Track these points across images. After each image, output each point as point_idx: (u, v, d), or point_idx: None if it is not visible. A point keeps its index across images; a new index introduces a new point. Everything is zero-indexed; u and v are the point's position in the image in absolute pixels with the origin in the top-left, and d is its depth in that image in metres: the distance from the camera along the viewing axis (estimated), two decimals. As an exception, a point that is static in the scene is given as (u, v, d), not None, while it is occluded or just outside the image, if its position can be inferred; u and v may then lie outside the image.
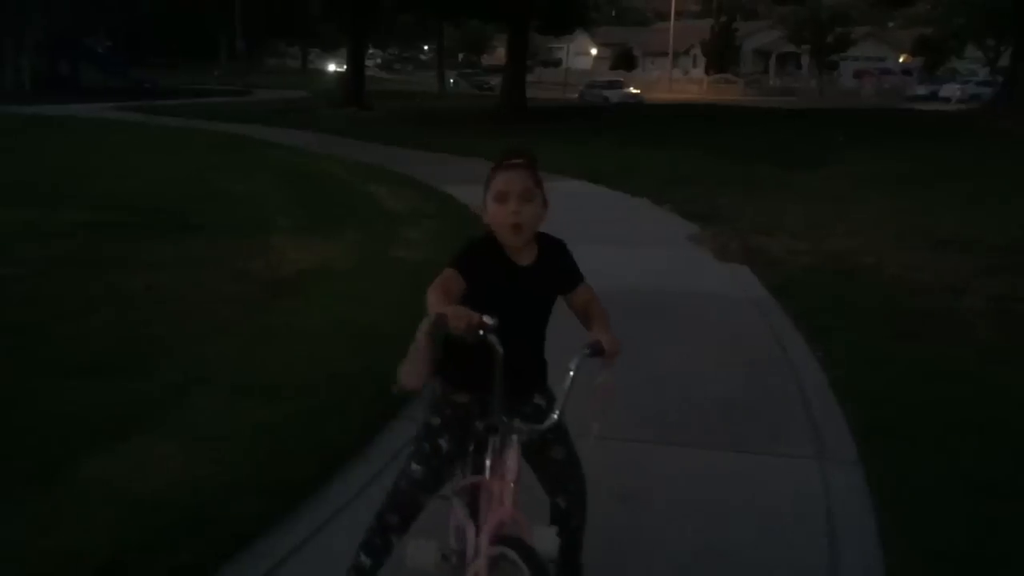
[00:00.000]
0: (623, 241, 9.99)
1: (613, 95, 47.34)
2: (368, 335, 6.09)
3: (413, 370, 2.42)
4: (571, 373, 2.51)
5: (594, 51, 79.95)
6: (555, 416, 2.52)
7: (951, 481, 4.06)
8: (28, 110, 27.81)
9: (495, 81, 49.55)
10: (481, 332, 2.29)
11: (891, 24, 77.94)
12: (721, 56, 70.20)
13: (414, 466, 2.76)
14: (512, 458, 2.47)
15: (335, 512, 3.79)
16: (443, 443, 2.74)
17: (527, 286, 2.62)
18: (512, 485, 2.44)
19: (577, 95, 50.35)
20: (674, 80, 68.14)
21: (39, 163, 15.49)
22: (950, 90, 51.38)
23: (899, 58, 69.41)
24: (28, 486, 3.86)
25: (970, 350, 6.11)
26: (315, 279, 7.78)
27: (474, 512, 2.72)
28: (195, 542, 3.42)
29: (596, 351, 2.55)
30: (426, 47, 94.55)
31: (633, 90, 50.49)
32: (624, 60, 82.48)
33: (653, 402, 4.98)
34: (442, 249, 9.19)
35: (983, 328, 6.67)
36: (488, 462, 2.64)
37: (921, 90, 54.42)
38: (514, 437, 2.48)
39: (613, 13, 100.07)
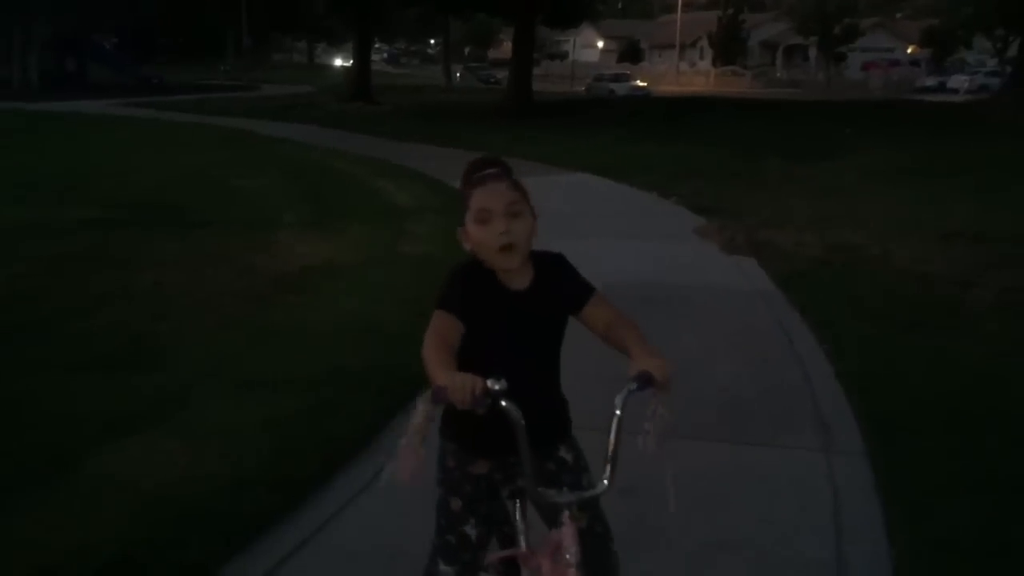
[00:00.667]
0: (630, 234, 9.98)
1: (620, 88, 47.25)
2: (375, 331, 6.10)
3: (409, 463, 2.08)
4: (617, 414, 2.06)
5: (600, 44, 79.86)
6: (605, 482, 2.10)
7: (958, 473, 4.05)
8: (35, 107, 27.88)
9: (501, 75, 49.53)
10: (490, 400, 1.95)
11: (899, 15, 77.68)
12: (728, 48, 69.95)
13: (443, 567, 2.37)
14: (568, 536, 2.06)
15: (341, 507, 3.81)
16: (469, 530, 2.35)
17: (529, 311, 2.24)
18: (574, 572, 2.04)
19: (584, 88, 50.27)
20: (681, 73, 68.00)
21: (46, 160, 15.53)
22: (958, 81, 51.16)
23: (907, 49, 69.13)
24: (36, 481, 3.88)
25: (978, 342, 6.09)
26: (322, 274, 7.79)
27: None
28: (202, 537, 3.44)
29: (644, 382, 2.07)
30: (433, 41, 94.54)
31: (640, 83, 50.39)
32: (631, 53, 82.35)
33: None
34: (449, 245, 9.18)
35: (991, 320, 6.64)
36: (521, 533, 2.33)
37: (929, 81, 54.19)
38: (566, 514, 2.07)
39: (619, 5, 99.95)
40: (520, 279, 2.27)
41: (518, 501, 2.35)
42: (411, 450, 2.08)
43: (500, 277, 2.25)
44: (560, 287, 2.30)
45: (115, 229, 9.39)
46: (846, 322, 6.48)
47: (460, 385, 1.93)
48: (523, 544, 2.35)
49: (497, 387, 1.93)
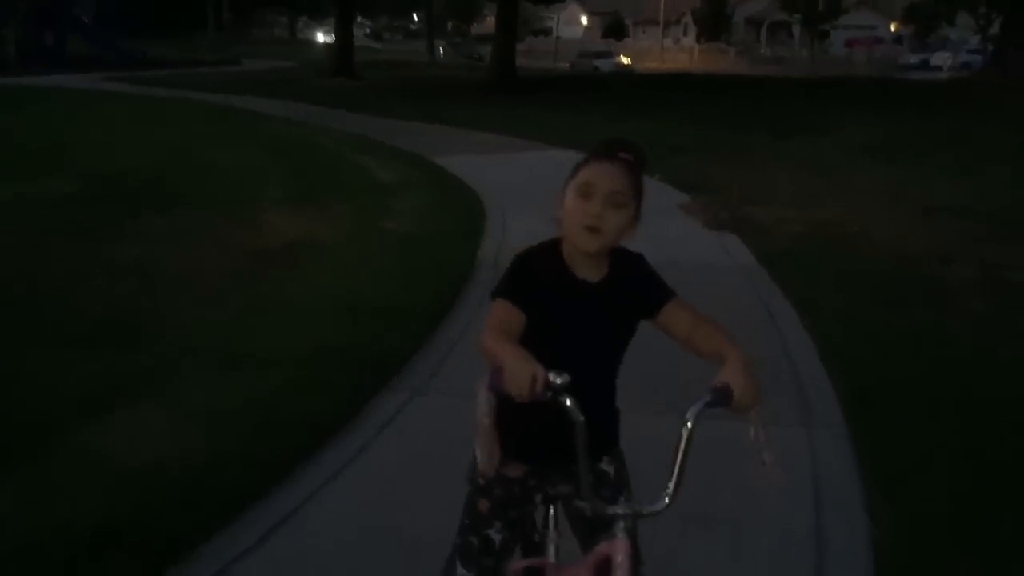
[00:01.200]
0: (613, 211, 10.01)
1: (604, 65, 47.16)
2: (358, 306, 6.09)
3: (485, 453, 2.01)
4: (688, 427, 1.91)
5: (584, 20, 79.54)
6: (667, 500, 1.93)
7: (934, 449, 4.09)
8: (13, 82, 27.52)
9: (485, 51, 49.30)
10: (550, 393, 1.79)
11: (882, -8, 77.59)
12: (712, 25, 69.82)
13: (460, 571, 2.21)
14: (622, 550, 1.91)
15: (325, 482, 3.80)
16: (494, 535, 2.19)
17: (598, 306, 2.06)
18: None
19: (568, 65, 50.07)
20: (665, 49, 67.79)
21: (26, 135, 15.35)
22: (941, 58, 51.25)
23: (890, 26, 69.15)
24: (17, 457, 3.86)
25: (958, 318, 6.14)
26: (305, 251, 7.76)
27: None
28: (186, 512, 3.44)
29: (721, 399, 1.92)
30: (415, 16, 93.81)
31: (624, 60, 50.28)
32: (615, 29, 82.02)
33: (638, 370, 4.98)
34: (431, 220, 9.19)
35: (972, 296, 6.70)
36: (552, 542, 2.21)
37: (912, 58, 54.29)
38: (621, 526, 1.93)
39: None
40: (593, 271, 2.09)
41: (551, 507, 2.21)
42: (486, 445, 2.02)
43: (570, 266, 2.08)
44: (636, 287, 2.13)
45: (97, 204, 9.31)
46: (828, 298, 6.51)
47: (519, 370, 1.76)
48: (552, 554, 2.21)
49: (559, 381, 1.77)
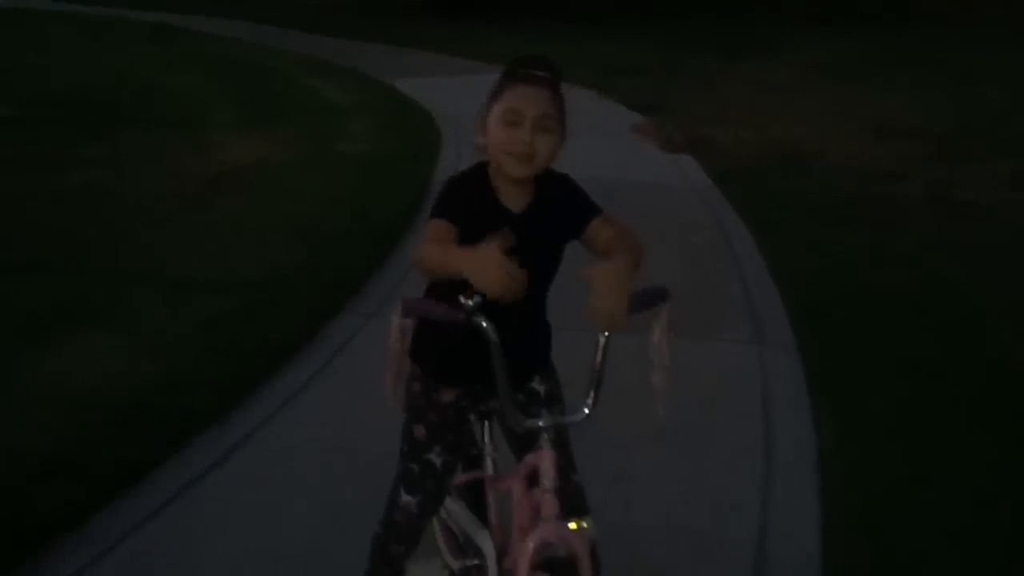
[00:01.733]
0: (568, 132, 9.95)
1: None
2: (311, 230, 6.04)
3: (396, 380, 2.02)
4: (605, 335, 1.94)
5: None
6: (587, 410, 1.99)
7: (882, 362, 4.20)
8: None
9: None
10: (463, 316, 1.80)
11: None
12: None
13: (406, 497, 2.22)
14: (547, 461, 1.94)
15: (281, 405, 3.81)
16: (434, 458, 2.20)
17: (525, 236, 1.98)
18: (553, 496, 1.94)
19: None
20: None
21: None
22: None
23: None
24: (-34, 385, 3.82)
25: (907, 236, 6.24)
26: (256, 174, 7.64)
27: (480, 512, 2.38)
28: (139, 437, 3.43)
29: (634, 305, 1.87)
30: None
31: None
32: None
33: (580, 286, 5.02)
34: (385, 142, 9.07)
35: (921, 214, 6.80)
36: (488, 456, 2.28)
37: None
38: (545, 437, 1.96)
39: None
40: (520, 198, 2.04)
41: (487, 422, 2.27)
42: (396, 370, 2.01)
43: (500, 195, 2.03)
44: (562, 210, 2.07)
45: (39, 128, 9.06)
46: (780, 217, 6.58)
47: (487, 264, 1.70)
48: (490, 467, 2.30)
49: (471, 303, 1.77)
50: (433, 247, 1.88)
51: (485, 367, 1.90)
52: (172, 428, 3.50)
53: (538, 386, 2.24)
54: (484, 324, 1.81)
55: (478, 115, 2.03)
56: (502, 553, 2.29)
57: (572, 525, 1.95)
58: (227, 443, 3.48)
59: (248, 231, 6.04)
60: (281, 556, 2.80)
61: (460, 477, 2.40)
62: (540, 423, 1.96)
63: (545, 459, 1.95)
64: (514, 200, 2.04)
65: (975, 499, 3.10)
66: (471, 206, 1.99)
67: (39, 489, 3.06)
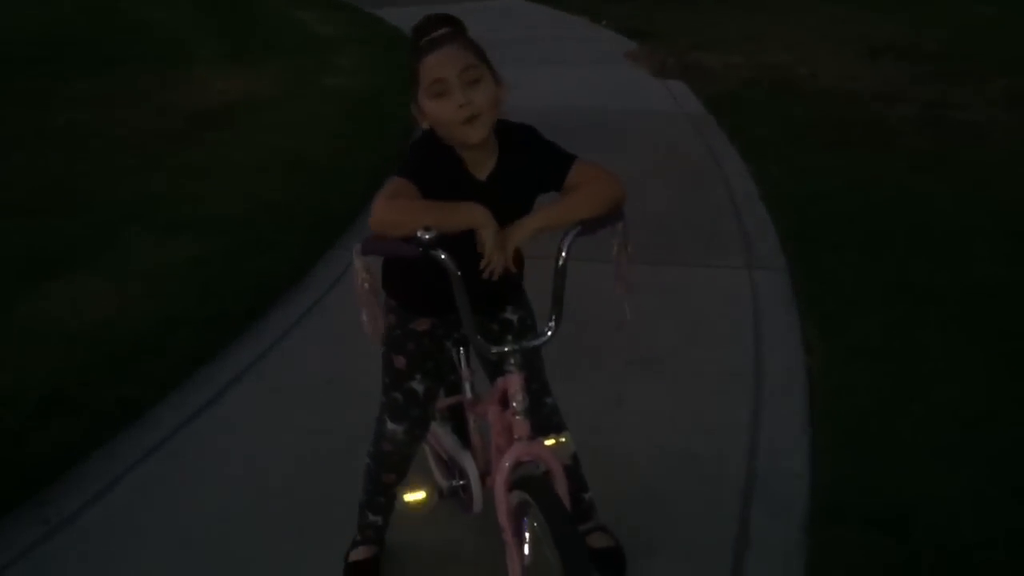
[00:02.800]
0: (559, 60, 9.84)
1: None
2: (300, 165, 6.01)
3: (370, 318, 2.02)
4: (561, 260, 1.92)
5: None
6: (548, 333, 2.00)
7: (871, 285, 4.21)
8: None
9: None
10: (421, 249, 1.78)
11: None
12: None
13: (391, 425, 2.28)
14: (514, 384, 1.98)
15: (275, 341, 3.83)
16: (416, 385, 2.26)
17: (494, 202, 1.90)
18: (523, 418, 1.98)
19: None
20: None
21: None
22: None
23: None
24: (-39, 328, 3.83)
25: (899, 158, 6.21)
26: (243, 110, 7.57)
27: (463, 435, 2.47)
28: (135, 374, 3.45)
29: (589, 226, 1.93)
30: None
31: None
32: None
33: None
34: (373, 76, 8.96)
35: (913, 136, 6.76)
36: (466, 380, 2.31)
37: None
38: (511, 362, 1.99)
39: None
40: (486, 162, 1.99)
41: (462, 348, 2.31)
42: (369, 309, 2.01)
43: (465, 162, 1.98)
44: (533, 166, 2.01)
45: (20, 66, 8.94)
46: (773, 142, 6.54)
47: (472, 213, 1.82)
48: (468, 391, 2.33)
49: (427, 236, 1.76)
50: (403, 201, 1.86)
51: (453, 297, 1.90)
52: (168, 365, 3.53)
53: (511, 315, 2.26)
54: (443, 256, 1.81)
55: (412, 102, 1.96)
56: (485, 473, 2.38)
57: (550, 441, 2.00)
58: (223, 379, 3.51)
59: (237, 168, 6.00)
60: (277, 489, 2.85)
61: (442, 402, 2.46)
62: (504, 348, 1.99)
63: (513, 383, 1.99)
64: (479, 165, 1.99)
65: (962, 418, 3.14)
66: (437, 177, 1.94)
67: (39, 427, 3.09)
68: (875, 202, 5.30)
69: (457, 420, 2.52)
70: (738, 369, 3.54)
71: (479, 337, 1.98)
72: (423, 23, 1.95)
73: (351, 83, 8.62)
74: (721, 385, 3.43)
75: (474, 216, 1.84)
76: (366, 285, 1.97)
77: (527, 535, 2.03)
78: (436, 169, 1.95)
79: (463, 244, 1.83)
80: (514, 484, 1.98)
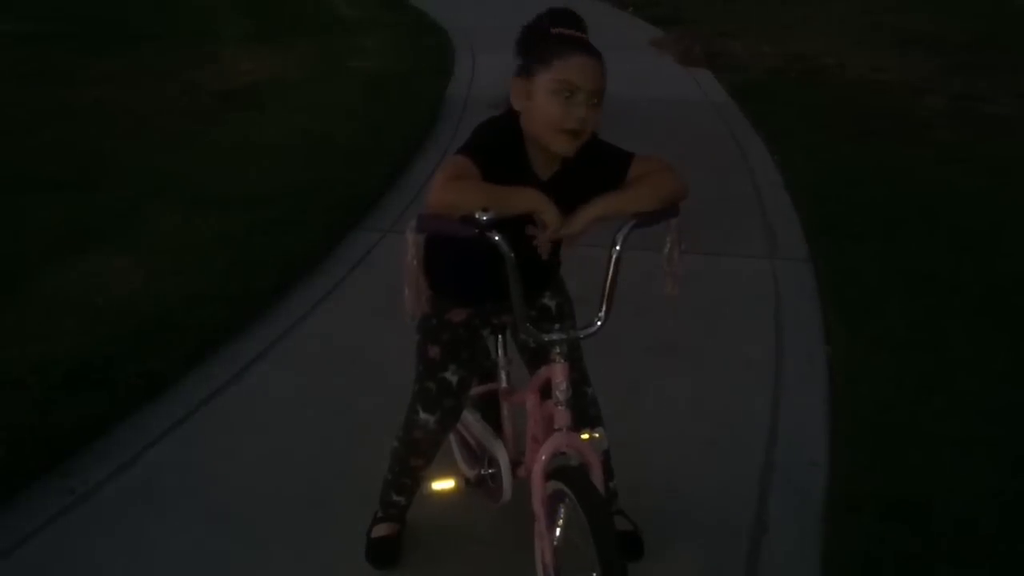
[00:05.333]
0: (585, 46, 9.81)
1: None
2: (325, 145, 6.04)
3: (413, 293, 2.00)
4: (615, 252, 1.92)
5: None
6: (599, 323, 1.98)
7: (894, 275, 4.19)
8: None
9: None
10: (477, 231, 1.75)
11: None
12: None
13: (424, 415, 2.24)
14: (560, 374, 1.97)
15: (299, 319, 3.86)
16: (450, 376, 2.22)
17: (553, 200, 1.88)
18: (565, 408, 1.97)
19: None
20: None
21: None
22: None
23: None
24: (-10, 300, 3.88)
25: (926, 149, 6.17)
26: (269, 89, 7.60)
27: (494, 423, 2.46)
28: (161, 349, 3.48)
29: (646, 219, 1.92)
30: None
31: None
32: None
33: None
34: (398, 58, 8.97)
35: (940, 127, 6.71)
36: (502, 368, 2.34)
37: None
38: (558, 351, 1.97)
39: None
40: (552, 164, 1.97)
41: (500, 336, 2.30)
42: (413, 286, 1.98)
43: (531, 156, 1.95)
44: (595, 171, 1.97)
45: (50, 44, 9.01)
46: (799, 132, 6.51)
47: (532, 201, 1.79)
48: (504, 379, 2.35)
49: (485, 218, 1.73)
50: (463, 182, 1.81)
51: (497, 284, 1.90)
52: (192, 341, 3.56)
53: (548, 301, 2.26)
54: (498, 238, 1.79)
55: (516, 77, 1.91)
56: (515, 463, 2.36)
57: (584, 435, 1.99)
58: (247, 356, 3.54)
59: (262, 147, 6.03)
60: (299, 465, 2.88)
61: (476, 389, 2.45)
62: (554, 337, 1.98)
63: (558, 372, 1.97)
64: (545, 166, 1.97)
65: (984, 410, 3.13)
66: (499, 165, 1.89)
67: (65, 399, 3.13)
68: (900, 193, 5.27)
69: (488, 408, 2.52)
70: (759, 358, 3.54)
71: (528, 325, 1.96)
72: (566, 13, 1.94)
73: (377, 65, 8.63)
74: (741, 373, 3.43)
75: (534, 200, 1.81)
76: (415, 262, 1.94)
77: (559, 523, 2.04)
78: (500, 157, 1.90)
79: (512, 231, 1.81)
80: (551, 474, 1.97)
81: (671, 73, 8.70)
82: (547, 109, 1.85)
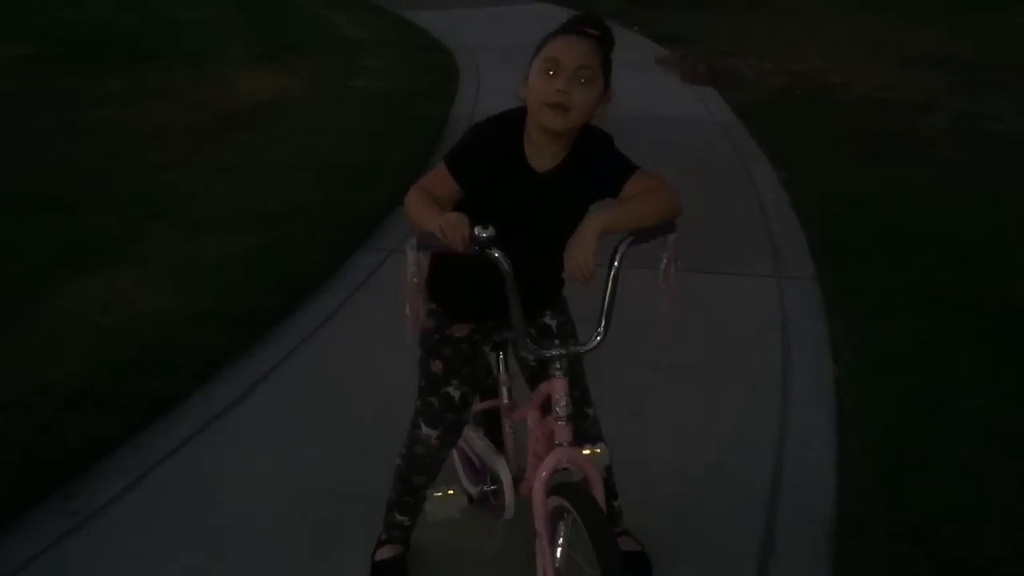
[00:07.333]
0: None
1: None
2: (329, 166, 6.04)
3: (413, 311, 2.00)
4: (613, 268, 1.92)
5: None
6: (598, 338, 1.97)
7: (901, 295, 4.17)
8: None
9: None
10: (477, 248, 1.77)
11: None
12: None
13: (426, 430, 2.24)
14: (559, 389, 1.97)
15: (302, 340, 3.85)
16: (452, 391, 2.23)
17: (546, 199, 1.97)
18: (566, 423, 1.97)
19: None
20: None
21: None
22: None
23: None
24: (-7, 321, 3.88)
25: (931, 168, 6.16)
26: (273, 110, 7.62)
27: (496, 439, 2.47)
28: (164, 370, 3.48)
29: (643, 235, 1.94)
30: None
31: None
32: None
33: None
34: (403, 78, 9.00)
35: (946, 146, 6.70)
36: (503, 385, 2.35)
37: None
38: (557, 366, 1.98)
39: None
40: (550, 156, 1.98)
41: (501, 353, 2.32)
42: (413, 304, 1.99)
43: (526, 148, 1.98)
44: (597, 171, 2.00)
45: (55, 64, 9.05)
46: (804, 151, 6.51)
47: (456, 224, 1.74)
48: (505, 395, 2.36)
49: (484, 235, 1.75)
50: (423, 196, 1.90)
51: (498, 301, 1.90)
52: (197, 362, 3.55)
53: (549, 320, 2.25)
54: (497, 255, 1.80)
55: (525, 70, 1.96)
56: (518, 479, 2.36)
57: (586, 451, 2.00)
58: (251, 377, 3.53)
59: (266, 167, 6.04)
60: (303, 486, 2.86)
61: (477, 406, 2.46)
62: (553, 352, 1.98)
63: (558, 387, 1.97)
64: (542, 159, 1.98)
65: (991, 430, 3.11)
66: (493, 159, 1.95)
67: (69, 420, 3.12)
68: (906, 212, 5.26)
69: (490, 425, 2.52)
70: (765, 378, 3.51)
71: (527, 340, 1.96)
72: (584, 15, 2.00)
73: (381, 85, 8.66)
74: (748, 393, 3.41)
75: (436, 220, 1.78)
76: (415, 280, 1.95)
77: (560, 540, 2.03)
78: (493, 153, 1.96)
79: (512, 247, 1.82)
80: (552, 490, 1.97)
81: (676, 92, 8.71)
82: (534, 85, 1.91)
